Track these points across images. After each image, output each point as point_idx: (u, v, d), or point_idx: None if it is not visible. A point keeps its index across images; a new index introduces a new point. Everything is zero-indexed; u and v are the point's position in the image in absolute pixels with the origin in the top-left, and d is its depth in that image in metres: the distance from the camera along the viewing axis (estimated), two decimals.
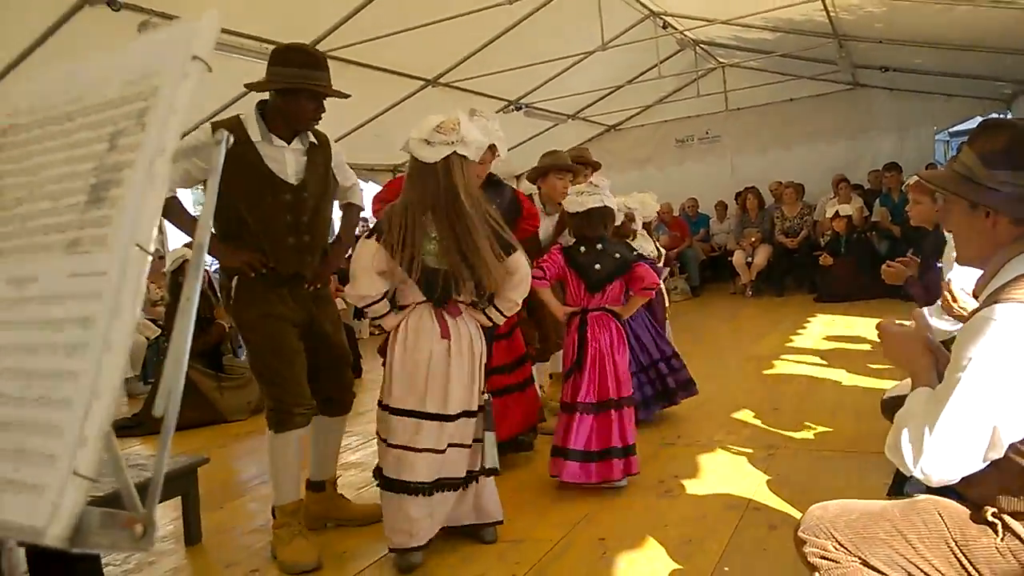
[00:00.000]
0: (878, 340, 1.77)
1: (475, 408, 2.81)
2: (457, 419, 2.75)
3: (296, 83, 2.81)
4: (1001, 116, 9.27)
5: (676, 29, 8.66)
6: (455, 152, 2.66)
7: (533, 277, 3.36)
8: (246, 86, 3.00)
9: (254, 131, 2.84)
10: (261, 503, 3.64)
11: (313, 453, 3.24)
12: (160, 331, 6.24)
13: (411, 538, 2.70)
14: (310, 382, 3.00)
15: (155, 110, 0.84)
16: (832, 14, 7.25)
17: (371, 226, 2.81)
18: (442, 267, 2.67)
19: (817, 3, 6.83)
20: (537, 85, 8.87)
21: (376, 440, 2.91)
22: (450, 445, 2.75)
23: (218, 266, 3.12)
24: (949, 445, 1.39)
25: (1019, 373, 1.35)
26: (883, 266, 3.28)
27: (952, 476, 1.42)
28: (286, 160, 2.89)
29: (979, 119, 1.82)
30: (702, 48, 9.76)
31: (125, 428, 5.25)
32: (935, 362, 1.64)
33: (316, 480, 3.25)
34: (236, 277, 2.89)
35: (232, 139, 0.96)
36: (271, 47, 5.70)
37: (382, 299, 2.76)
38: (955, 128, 11.96)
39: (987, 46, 7.38)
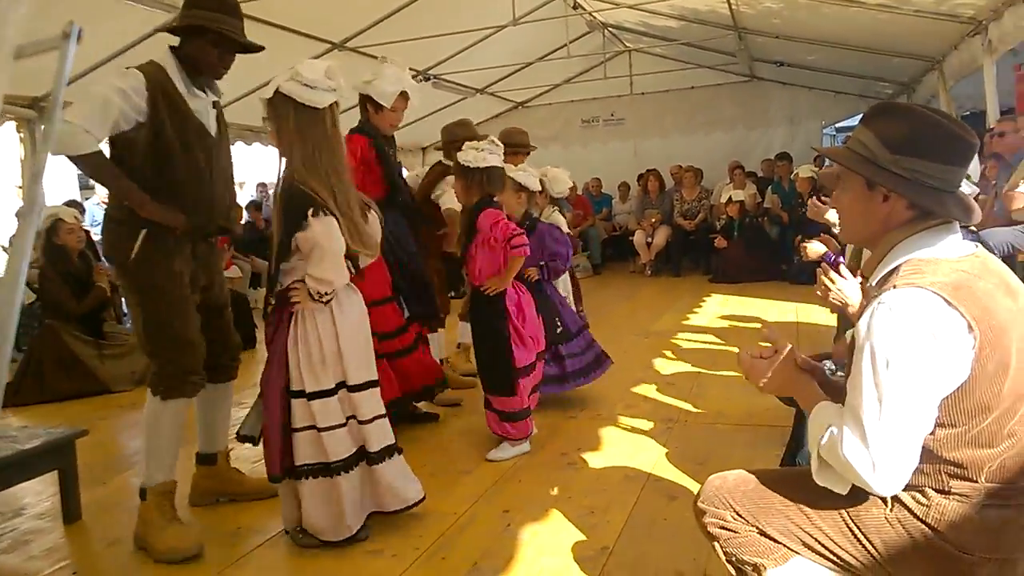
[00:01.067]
0: (745, 374, 1.79)
1: None
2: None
3: (202, 23, 2.67)
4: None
5: (585, 10, 8.70)
6: (336, 101, 2.55)
7: (521, 246, 3.38)
8: (157, 29, 2.84)
9: (177, 80, 2.70)
10: None
11: (202, 425, 3.09)
12: (35, 296, 5.82)
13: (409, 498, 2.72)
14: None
15: None
16: (734, 7, 7.46)
17: (291, 198, 2.46)
18: None
19: None
20: (447, 57, 8.74)
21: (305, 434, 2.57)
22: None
23: (103, 221, 2.90)
24: (897, 446, 1.40)
25: (928, 357, 1.38)
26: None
27: (908, 472, 1.43)
28: (208, 112, 2.80)
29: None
30: (610, 31, 9.86)
31: None
32: (812, 379, 1.68)
33: (207, 453, 3.10)
34: (143, 233, 2.68)
35: (81, 34, 0.87)
36: None
37: None
38: (840, 124, 12.64)
39: (873, 48, 7.80)
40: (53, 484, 3.10)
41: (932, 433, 1.45)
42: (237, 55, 2.84)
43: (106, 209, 2.89)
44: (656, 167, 10.73)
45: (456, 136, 4.45)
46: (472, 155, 3.40)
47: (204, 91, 2.81)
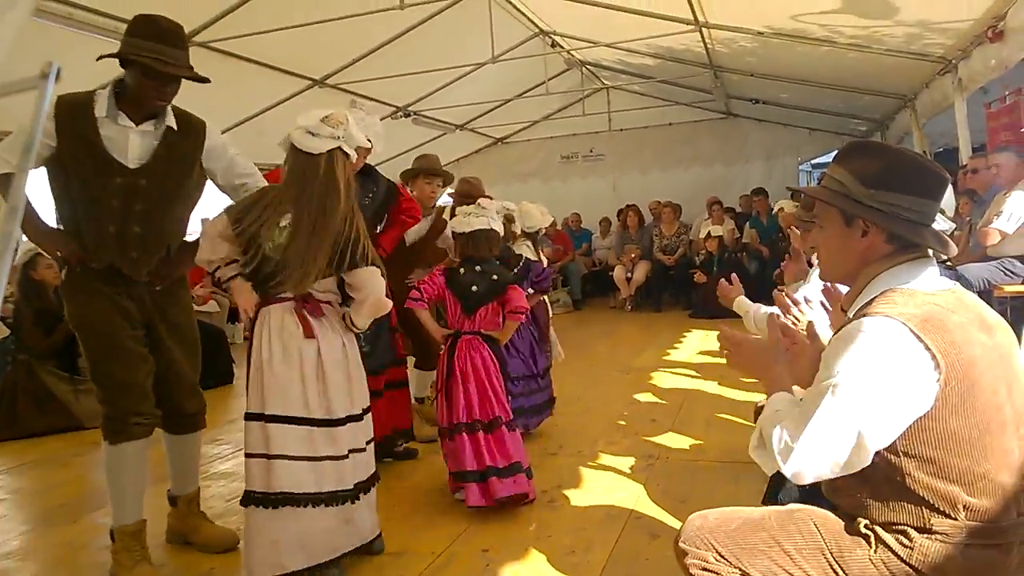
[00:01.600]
0: (724, 350, 1.80)
1: (359, 413, 2.67)
2: (345, 424, 2.59)
3: (134, 54, 2.53)
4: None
5: (564, 48, 8.85)
6: (340, 148, 2.54)
7: (410, 298, 3.34)
8: (98, 57, 2.68)
9: (101, 107, 2.58)
10: None
11: (169, 465, 3.00)
12: (9, 331, 5.73)
13: (309, 555, 2.50)
14: (157, 386, 2.77)
15: None
16: (709, 46, 7.61)
17: None
18: (275, 256, 2.49)
19: (695, 34, 7.15)
20: (426, 93, 8.82)
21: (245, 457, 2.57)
22: (351, 451, 2.61)
23: None
24: (817, 450, 1.43)
25: (885, 382, 1.41)
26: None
27: (820, 476, 1.46)
28: (128, 141, 2.62)
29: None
30: (588, 69, 10.01)
31: None
32: (786, 371, 1.69)
33: (170, 494, 3.02)
34: (65, 268, 2.67)
35: (60, 72, 0.86)
36: None
37: (231, 263, 2.59)
38: (816, 160, 12.86)
39: (846, 86, 7.97)
40: (24, 523, 3.01)
41: (901, 465, 1.46)
42: (204, 86, 2.69)
43: None
44: (635, 202, 10.82)
45: (415, 168, 4.57)
46: (458, 221, 3.48)
47: (141, 121, 2.65)
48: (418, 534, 2.99)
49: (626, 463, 3.68)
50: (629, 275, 9.96)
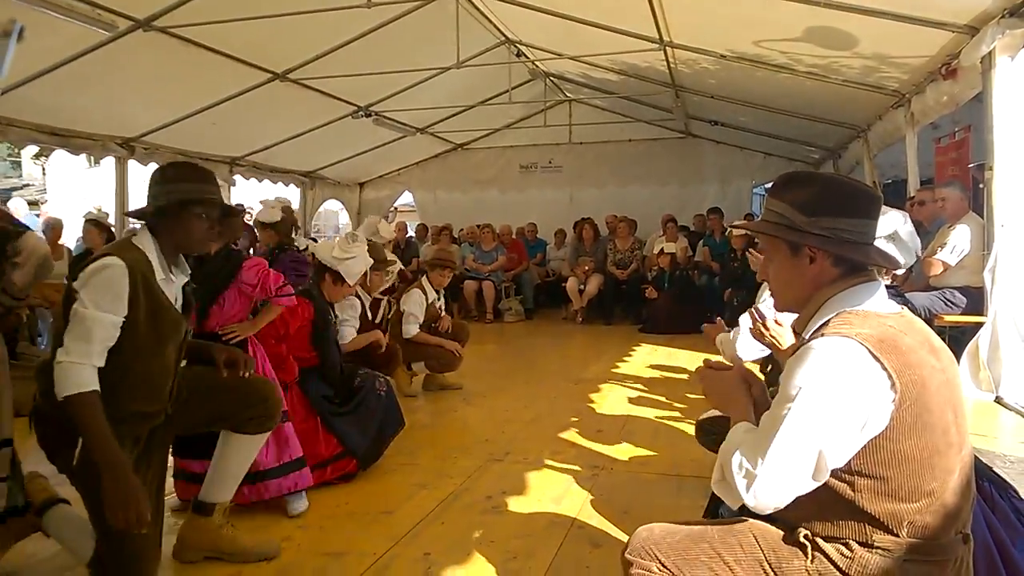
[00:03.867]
0: (699, 382, 1.86)
1: None
2: None
3: (194, 195, 2.41)
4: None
5: (529, 58, 8.90)
6: None
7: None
8: (127, 214, 2.47)
9: (157, 267, 2.39)
10: None
11: (214, 469, 2.76)
12: None
13: None
14: (221, 421, 2.69)
15: None
16: (672, 65, 7.73)
17: None
18: None
19: (659, 53, 7.26)
20: (389, 94, 8.78)
21: None
22: None
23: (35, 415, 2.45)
24: (779, 471, 1.44)
25: (843, 401, 1.43)
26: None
27: (782, 502, 1.47)
28: (175, 295, 2.48)
29: None
30: (552, 80, 10.08)
31: None
32: (751, 400, 1.72)
33: (205, 501, 2.75)
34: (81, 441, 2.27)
35: (23, 32, 0.83)
36: (104, 13, 5.28)
37: None
38: (770, 184, 13.13)
39: (803, 113, 8.18)
40: None
41: (852, 484, 1.48)
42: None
43: (37, 404, 2.45)
44: (591, 215, 10.90)
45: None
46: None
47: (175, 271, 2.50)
48: (359, 535, 2.95)
49: (571, 472, 3.69)
50: (582, 287, 10.01)
